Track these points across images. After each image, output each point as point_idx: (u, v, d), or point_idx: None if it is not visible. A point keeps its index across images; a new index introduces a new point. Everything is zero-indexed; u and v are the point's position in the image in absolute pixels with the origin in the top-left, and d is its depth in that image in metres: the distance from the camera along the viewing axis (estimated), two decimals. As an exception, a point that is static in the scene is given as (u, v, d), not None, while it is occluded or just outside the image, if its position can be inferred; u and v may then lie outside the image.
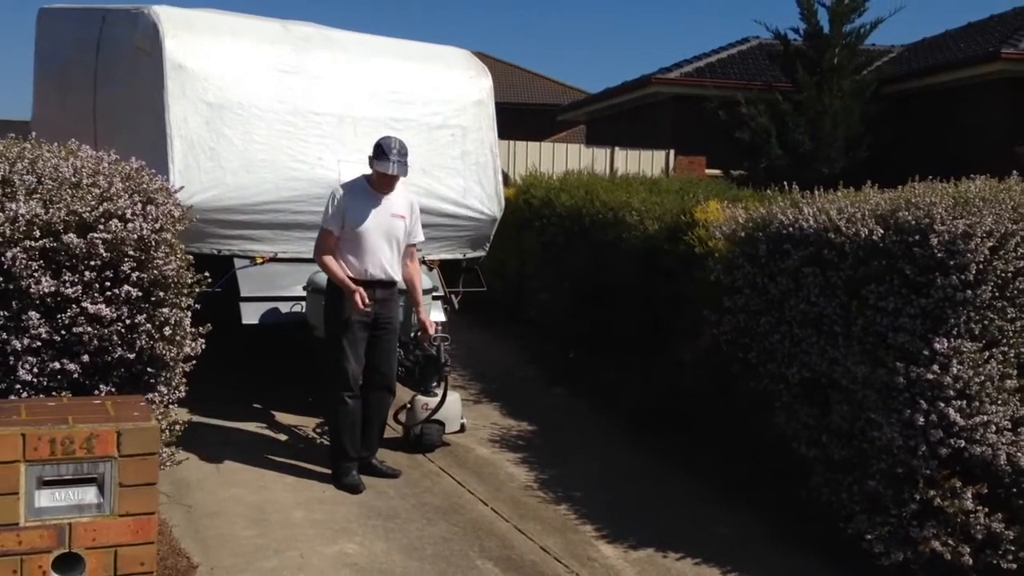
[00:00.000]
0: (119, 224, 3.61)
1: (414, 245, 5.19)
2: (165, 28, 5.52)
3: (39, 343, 3.53)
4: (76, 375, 3.59)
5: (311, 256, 5.11)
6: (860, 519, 4.14)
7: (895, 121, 14.10)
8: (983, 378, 3.91)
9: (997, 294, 3.97)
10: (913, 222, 4.07)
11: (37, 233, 3.49)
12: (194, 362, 4.04)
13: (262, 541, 4.22)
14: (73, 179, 3.71)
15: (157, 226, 3.74)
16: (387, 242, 4.96)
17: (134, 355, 3.72)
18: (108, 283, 3.63)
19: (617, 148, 14.36)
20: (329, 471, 5.05)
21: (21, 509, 2.86)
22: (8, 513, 2.84)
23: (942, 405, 3.89)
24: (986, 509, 3.89)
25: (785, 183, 5.27)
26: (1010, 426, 3.91)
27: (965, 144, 13.03)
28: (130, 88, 5.93)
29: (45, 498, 2.89)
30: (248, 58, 5.80)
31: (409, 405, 5.60)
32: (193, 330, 4.00)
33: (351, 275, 4.87)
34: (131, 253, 3.65)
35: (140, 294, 3.68)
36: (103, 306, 3.59)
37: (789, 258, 4.59)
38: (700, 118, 14.61)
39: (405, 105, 6.25)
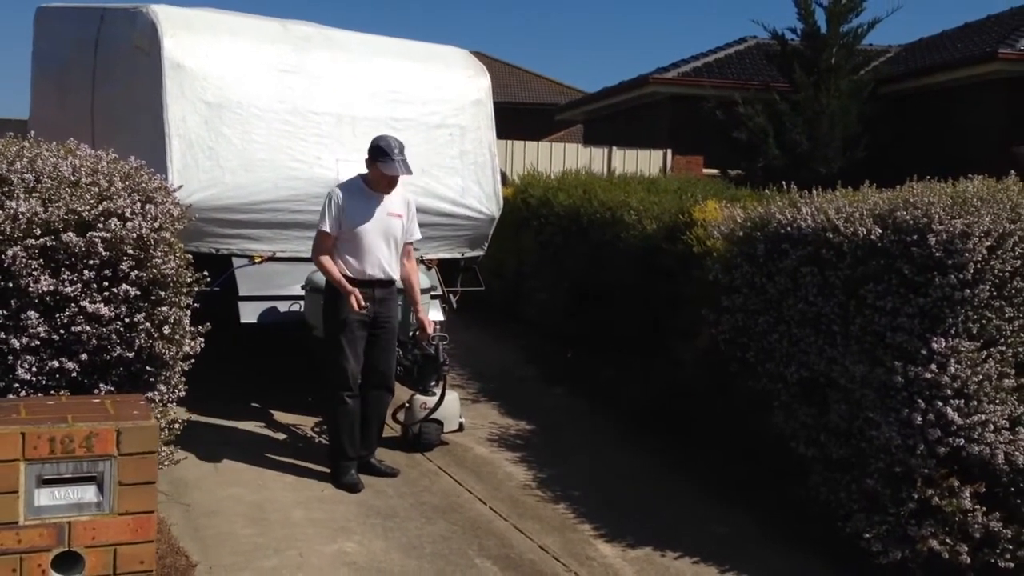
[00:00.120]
0: (118, 223, 3.61)
1: (411, 243, 5.20)
2: (164, 27, 5.51)
3: (38, 342, 3.52)
4: (75, 374, 3.59)
5: (309, 255, 5.11)
6: (858, 518, 4.15)
7: (892, 121, 14.12)
8: (981, 377, 3.92)
9: (995, 293, 3.98)
10: (911, 222, 4.08)
11: (38, 231, 3.49)
12: (193, 361, 4.04)
13: (261, 540, 4.22)
14: (72, 178, 3.71)
15: (156, 225, 3.74)
16: (385, 241, 4.96)
17: (133, 354, 3.72)
18: (107, 282, 3.63)
19: (614, 148, 14.38)
20: (328, 470, 5.05)
21: (21, 508, 2.86)
22: (7, 512, 2.85)
23: (940, 404, 3.90)
24: (984, 508, 3.90)
25: (783, 183, 5.28)
26: (1008, 425, 3.92)
27: (962, 144, 13.06)
28: (128, 87, 5.93)
29: (44, 497, 2.89)
30: (247, 57, 5.80)
31: (407, 404, 5.60)
32: (192, 329, 4.00)
33: (350, 275, 4.87)
34: (130, 252, 3.65)
35: (139, 293, 3.67)
36: (102, 305, 3.58)
37: (787, 257, 4.59)
38: (697, 118, 14.63)
39: (404, 105, 6.25)
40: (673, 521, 4.78)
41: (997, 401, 3.94)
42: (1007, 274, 3.98)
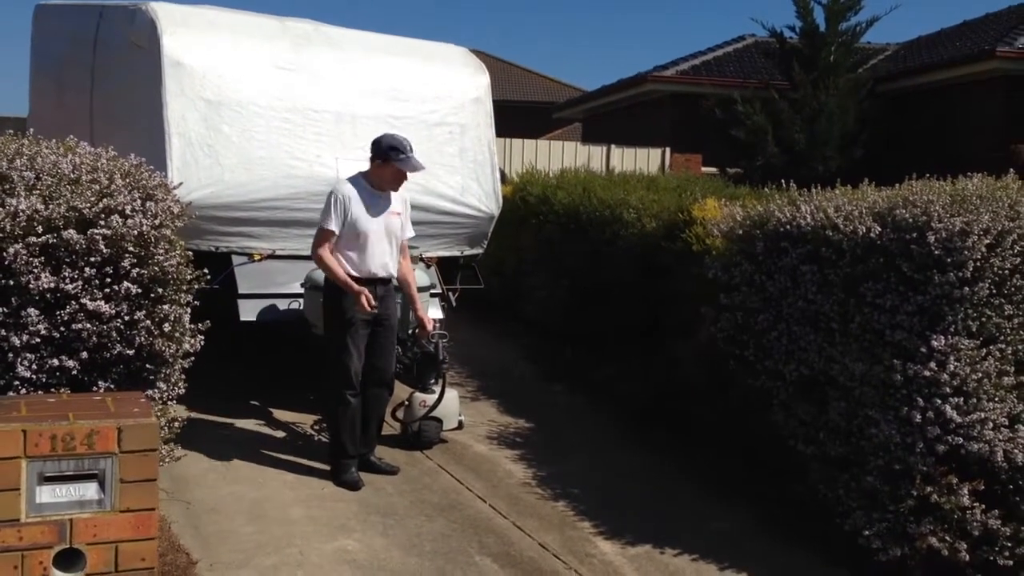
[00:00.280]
0: (119, 220, 3.61)
1: (405, 241, 5.20)
2: (163, 24, 5.51)
3: (38, 340, 3.53)
4: (75, 372, 3.59)
5: (309, 253, 5.11)
6: (857, 515, 4.16)
7: (891, 119, 14.14)
8: (980, 375, 3.93)
9: (994, 291, 3.99)
10: (911, 220, 4.09)
11: (39, 229, 3.49)
12: (193, 359, 4.04)
13: (261, 537, 4.22)
14: (72, 175, 3.71)
15: (157, 222, 3.74)
16: (387, 240, 4.96)
17: (133, 352, 3.72)
18: (108, 279, 3.63)
19: (613, 146, 14.36)
20: (328, 468, 5.05)
21: (22, 505, 2.87)
22: (9, 509, 2.85)
23: (939, 402, 3.91)
24: (983, 505, 3.91)
25: (781, 181, 5.28)
26: (1007, 423, 3.93)
27: (961, 142, 13.07)
28: (127, 85, 5.92)
29: (46, 494, 2.90)
30: (246, 55, 5.80)
31: (407, 402, 5.60)
32: (192, 327, 4.00)
33: (353, 273, 4.87)
34: (131, 249, 3.65)
35: (140, 290, 3.68)
36: (102, 302, 3.59)
37: (787, 256, 4.60)
38: (696, 116, 14.64)
39: (403, 102, 6.25)
40: (672, 518, 4.79)
41: (996, 399, 3.95)
42: (1006, 272, 3.99)
